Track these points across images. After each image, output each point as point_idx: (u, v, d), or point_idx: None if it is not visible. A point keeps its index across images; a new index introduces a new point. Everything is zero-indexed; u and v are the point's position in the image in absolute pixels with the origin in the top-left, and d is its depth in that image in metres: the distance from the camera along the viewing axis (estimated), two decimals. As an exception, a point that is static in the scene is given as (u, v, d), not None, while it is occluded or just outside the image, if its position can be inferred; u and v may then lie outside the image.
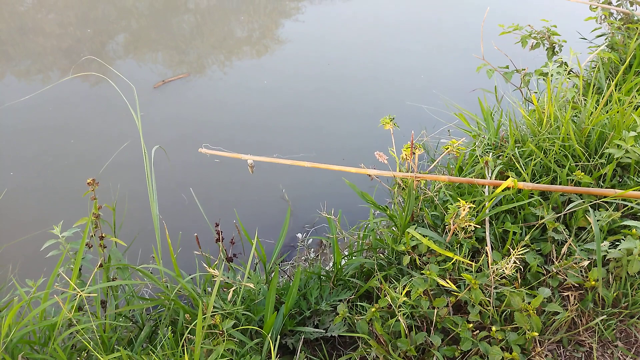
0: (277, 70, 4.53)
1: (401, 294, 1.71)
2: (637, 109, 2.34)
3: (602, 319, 1.73)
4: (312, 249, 2.77)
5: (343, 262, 2.06)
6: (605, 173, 2.09)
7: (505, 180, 1.95)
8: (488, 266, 1.78)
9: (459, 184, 2.25)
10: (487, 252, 1.83)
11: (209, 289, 1.95)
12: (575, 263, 1.77)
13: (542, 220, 1.94)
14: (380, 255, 2.12)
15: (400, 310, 1.64)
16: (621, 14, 3.14)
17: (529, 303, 1.64)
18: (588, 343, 1.75)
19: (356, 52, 4.71)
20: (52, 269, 1.74)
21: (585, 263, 1.72)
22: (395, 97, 4.08)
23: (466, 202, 1.86)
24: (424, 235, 1.91)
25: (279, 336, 1.74)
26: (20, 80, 4.42)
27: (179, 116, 3.94)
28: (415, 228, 1.95)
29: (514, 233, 1.95)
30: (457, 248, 1.91)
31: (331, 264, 2.29)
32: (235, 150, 2.17)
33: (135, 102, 2.20)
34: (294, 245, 2.84)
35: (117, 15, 5.25)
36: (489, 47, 2.61)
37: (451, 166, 2.45)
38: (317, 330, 1.81)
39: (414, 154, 2.09)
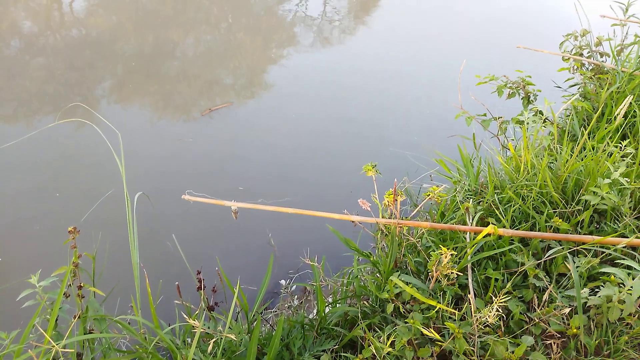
0: (263, 116, 4.61)
1: (385, 343, 1.69)
2: (610, 156, 2.42)
3: (585, 368, 1.73)
4: (296, 296, 2.74)
5: (327, 309, 2.04)
6: (583, 219, 2.14)
7: (486, 226, 1.98)
8: (471, 314, 1.78)
9: (442, 229, 2.27)
10: (470, 300, 1.83)
11: (189, 340, 1.90)
12: (557, 310, 1.78)
13: (523, 267, 1.96)
14: (364, 302, 2.11)
15: (384, 361, 1.62)
16: (592, 64, 3.30)
17: (513, 352, 1.63)
18: (573, 392, 1.73)
19: (340, 100, 4.83)
20: (29, 320, 1.69)
21: (567, 310, 1.73)
22: (379, 143, 4.17)
23: (448, 248, 1.88)
24: (407, 283, 1.91)
25: (260, 389, 1.70)
26: (3, 124, 4.42)
27: (163, 162, 3.95)
28: (399, 275, 1.95)
29: (496, 280, 1.96)
30: (440, 295, 1.91)
31: (315, 312, 2.26)
32: (220, 196, 2.18)
33: (119, 147, 2.21)
34: (277, 292, 2.81)
35: (104, 60, 5.33)
36: (468, 97, 2.71)
37: (433, 212, 2.48)
38: (299, 382, 1.76)
39: (396, 200, 2.12)
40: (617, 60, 3.26)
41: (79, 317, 1.87)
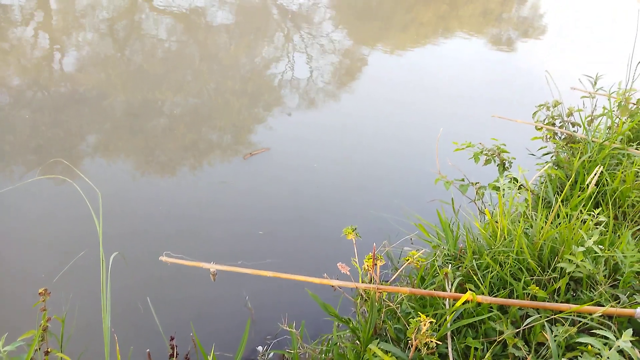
0: (247, 174, 4.66)
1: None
2: (584, 223, 2.49)
3: None
4: (273, 363, 2.65)
5: (303, 379, 1.98)
6: (560, 287, 2.16)
7: (465, 292, 1.98)
8: (450, 386, 1.74)
9: (421, 295, 2.26)
10: (449, 370, 1.80)
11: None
12: (537, 382, 1.76)
13: (502, 336, 1.95)
14: (343, 371, 2.05)
15: None
16: (564, 134, 3.46)
17: None
18: None
19: (324, 162, 4.93)
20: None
21: (546, 382, 1.71)
22: (360, 206, 4.22)
23: (427, 315, 1.86)
24: (386, 351, 1.87)
25: None
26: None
27: (143, 221, 3.92)
28: (378, 343, 1.92)
29: (476, 349, 1.94)
30: (419, 365, 1.87)
31: (292, 380, 2.18)
32: (199, 257, 2.16)
33: (99, 206, 2.20)
34: (254, 359, 2.71)
35: (90, 116, 5.40)
36: (447, 163, 2.80)
37: (413, 276, 2.48)
38: None
39: (376, 265, 2.13)
40: (588, 130, 3.43)
41: (42, 386, 1.78)
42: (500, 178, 2.52)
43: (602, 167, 2.80)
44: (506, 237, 2.34)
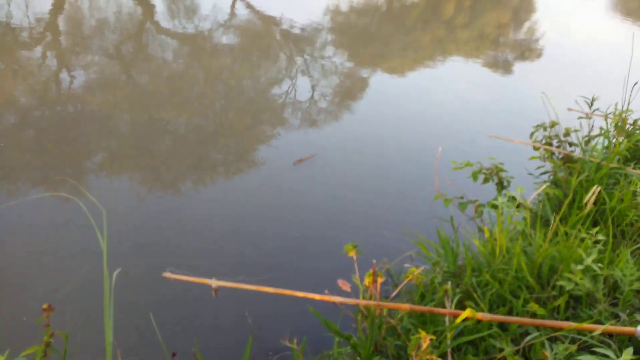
0: (250, 191, 4.71)
1: None
2: (583, 242, 2.51)
3: None
4: (275, 380, 2.64)
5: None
6: (559, 304, 2.17)
7: (465, 308, 2.00)
8: (451, 402, 1.75)
9: (421, 312, 2.28)
10: (449, 387, 1.81)
11: None
12: (537, 399, 1.76)
13: (502, 353, 1.96)
14: (343, 388, 2.05)
15: None
16: (562, 154, 3.51)
17: None
18: None
19: (325, 182, 4.98)
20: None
21: (546, 400, 1.71)
22: (361, 224, 4.25)
23: (427, 332, 1.88)
24: (386, 368, 1.88)
25: None
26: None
27: (149, 236, 3.95)
28: (379, 359, 1.93)
29: (476, 366, 1.95)
30: (419, 382, 1.87)
31: (292, 398, 2.18)
32: (200, 274, 2.19)
33: (103, 223, 2.23)
34: (255, 376, 2.71)
35: (97, 134, 5.47)
36: (445, 182, 2.85)
37: (413, 293, 2.50)
38: None
39: (376, 281, 2.15)
40: (585, 150, 3.48)
41: (44, 401, 1.79)
42: (499, 196, 2.56)
43: (599, 186, 2.84)
44: (505, 254, 2.37)
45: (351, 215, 4.45)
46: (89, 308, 2.99)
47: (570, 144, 3.59)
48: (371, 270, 2.14)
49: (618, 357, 1.76)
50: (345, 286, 2.12)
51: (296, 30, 9.36)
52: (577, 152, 3.49)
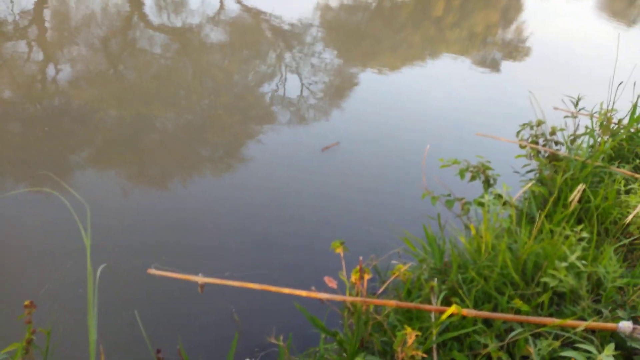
0: (237, 187, 4.68)
1: None
2: (567, 239, 2.54)
3: None
4: (261, 376, 2.64)
5: (290, 392, 1.98)
6: (543, 301, 2.19)
7: (451, 304, 2.01)
8: (435, 398, 1.76)
9: (407, 308, 2.29)
10: (434, 383, 1.82)
11: None
12: (520, 395, 1.78)
13: (487, 349, 1.97)
14: (329, 384, 2.05)
15: None
16: (547, 152, 3.54)
17: None
18: None
19: (315, 180, 4.97)
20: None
21: (530, 395, 1.73)
22: (349, 222, 4.26)
23: (413, 328, 1.89)
24: (372, 364, 1.89)
25: None
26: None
27: (133, 232, 3.91)
28: (365, 356, 1.94)
29: (461, 362, 1.96)
30: (405, 378, 1.88)
31: (278, 394, 2.18)
32: (187, 270, 2.17)
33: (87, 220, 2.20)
34: (241, 372, 2.70)
35: (82, 129, 5.40)
36: (432, 180, 2.86)
37: (400, 290, 2.51)
38: None
39: (363, 278, 2.15)
40: (570, 149, 3.51)
41: (25, 399, 1.76)
42: (485, 194, 2.57)
43: (584, 184, 2.87)
44: (490, 251, 2.38)
45: (339, 212, 4.45)
46: (72, 305, 2.96)
47: (556, 143, 3.63)
48: (358, 267, 2.14)
49: (600, 353, 1.78)
50: (331, 283, 2.12)
51: (286, 26, 9.32)
52: (562, 151, 3.53)
